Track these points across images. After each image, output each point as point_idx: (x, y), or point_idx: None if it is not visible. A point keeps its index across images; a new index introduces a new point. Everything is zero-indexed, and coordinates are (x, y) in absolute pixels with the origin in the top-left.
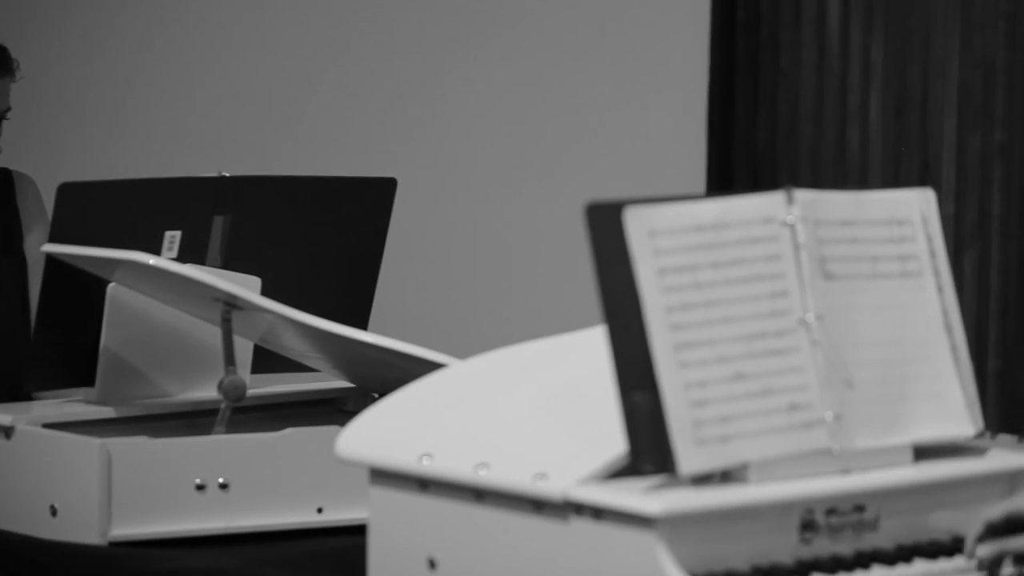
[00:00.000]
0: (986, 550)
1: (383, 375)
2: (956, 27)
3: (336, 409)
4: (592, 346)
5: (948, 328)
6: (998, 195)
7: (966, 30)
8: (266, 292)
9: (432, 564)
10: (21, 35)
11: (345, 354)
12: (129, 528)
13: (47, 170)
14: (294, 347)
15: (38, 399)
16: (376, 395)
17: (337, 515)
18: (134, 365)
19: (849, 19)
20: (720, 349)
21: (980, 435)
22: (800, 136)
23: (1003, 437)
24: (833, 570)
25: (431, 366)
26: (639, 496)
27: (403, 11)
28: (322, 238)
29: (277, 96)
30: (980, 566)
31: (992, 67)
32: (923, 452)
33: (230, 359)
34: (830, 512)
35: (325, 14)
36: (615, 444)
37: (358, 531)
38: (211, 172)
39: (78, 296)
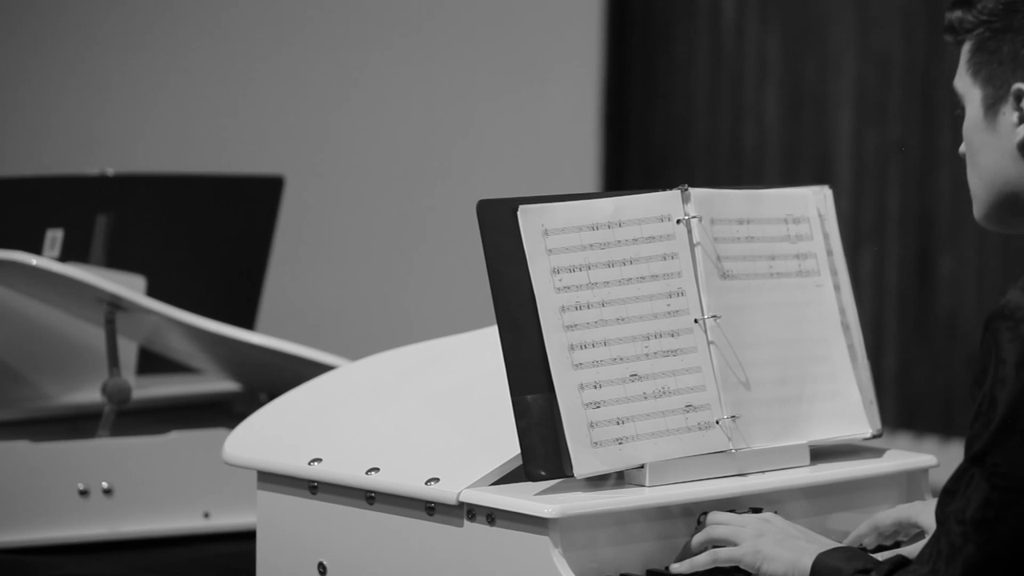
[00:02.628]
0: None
1: (271, 377)
2: (852, 21)
3: (223, 412)
4: (485, 347)
5: (845, 327)
6: (895, 192)
7: (862, 25)
8: (151, 292)
9: (323, 569)
10: None
11: (232, 355)
12: (10, 535)
13: None
14: (180, 348)
15: None
16: (264, 397)
17: (225, 520)
18: (15, 367)
19: (744, 13)
20: (615, 349)
21: (877, 435)
22: (695, 132)
23: (901, 437)
24: (729, 573)
25: (320, 368)
26: (533, 498)
27: (293, 7)
28: (208, 237)
29: (162, 92)
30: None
31: (888, 62)
32: (820, 453)
33: (114, 361)
34: None
35: (212, 9)
36: (509, 446)
37: (246, 537)
38: (94, 170)
39: None
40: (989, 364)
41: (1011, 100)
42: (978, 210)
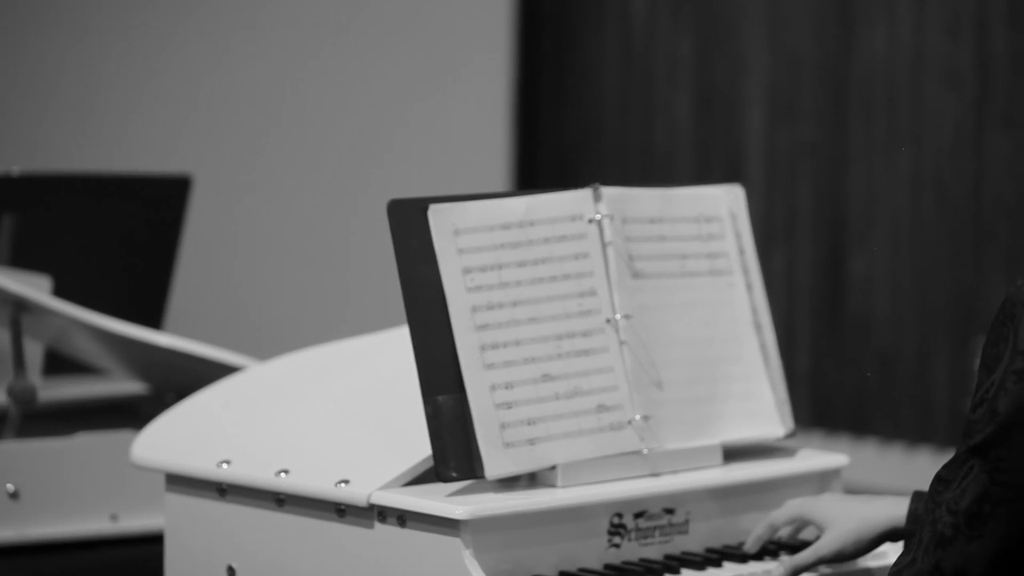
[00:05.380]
0: (780, 570)
1: (180, 378)
2: (763, 21)
3: (131, 413)
4: (396, 347)
5: (757, 327)
6: (807, 191)
7: (773, 24)
8: (57, 293)
9: (232, 572)
10: None
11: (140, 357)
12: None
13: None
14: (87, 349)
15: None
16: (172, 398)
17: (132, 523)
18: None
19: (655, 12)
20: (527, 350)
21: (790, 435)
22: (606, 131)
23: (813, 435)
24: (642, 575)
25: (229, 369)
26: (444, 500)
27: (201, 5)
28: (115, 237)
29: (68, 90)
30: None
31: (799, 62)
32: (733, 453)
33: (19, 362)
34: (639, 515)
35: (119, 6)
36: (420, 447)
37: (155, 540)
38: None
39: None
40: (1003, 352)
41: None
42: None
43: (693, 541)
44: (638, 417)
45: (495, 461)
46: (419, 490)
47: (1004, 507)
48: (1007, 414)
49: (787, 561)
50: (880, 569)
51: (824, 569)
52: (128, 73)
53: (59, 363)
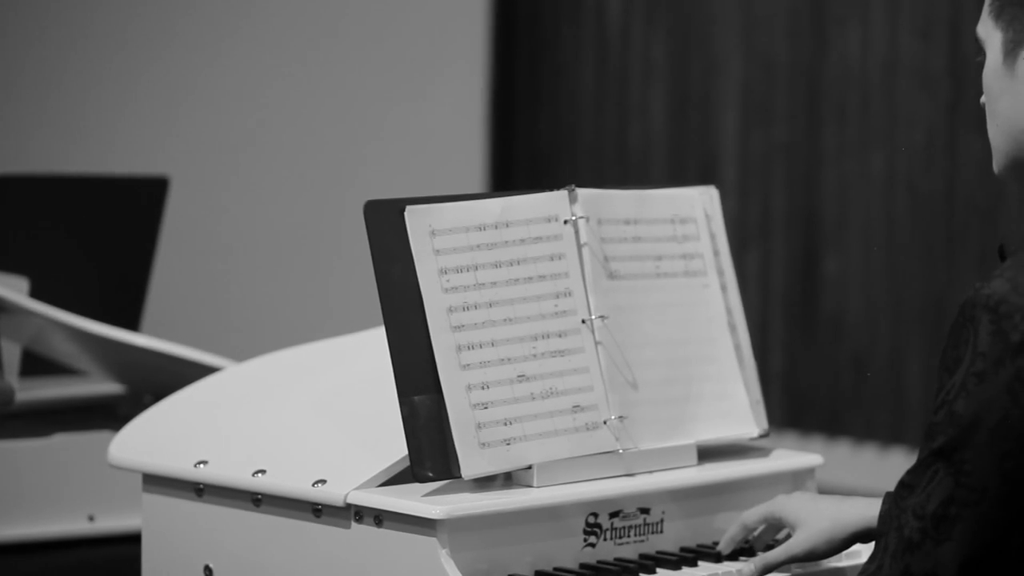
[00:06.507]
0: (749, 568)
1: (157, 379)
2: (737, 22)
3: (108, 414)
4: (372, 348)
5: (732, 327)
6: (781, 192)
7: (747, 26)
8: (35, 294)
9: (209, 572)
10: None
11: (117, 357)
12: None
13: None
14: (64, 350)
15: None
16: (150, 399)
17: (110, 523)
18: None
19: (630, 14)
20: (502, 350)
21: (764, 435)
22: (581, 132)
23: (787, 435)
24: (617, 574)
25: (206, 369)
26: (421, 500)
27: (178, 6)
28: (92, 238)
29: (45, 92)
30: None
31: (773, 63)
32: (708, 452)
33: None
34: (615, 515)
35: (95, 7)
36: (396, 447)
37: (132, 540)
38: None
39: None
40: (964, 354)
41: None
42: (997, 162)
43: (668, 540)
44: (613, 417)
45: (471, 461)
46: (395, 490)
47: (970, 509)
48: (969, 416)
49: (758, 559)
50: (852, 568)
51: (795, 568)
52: (106, 75)
53: (37, 364)
